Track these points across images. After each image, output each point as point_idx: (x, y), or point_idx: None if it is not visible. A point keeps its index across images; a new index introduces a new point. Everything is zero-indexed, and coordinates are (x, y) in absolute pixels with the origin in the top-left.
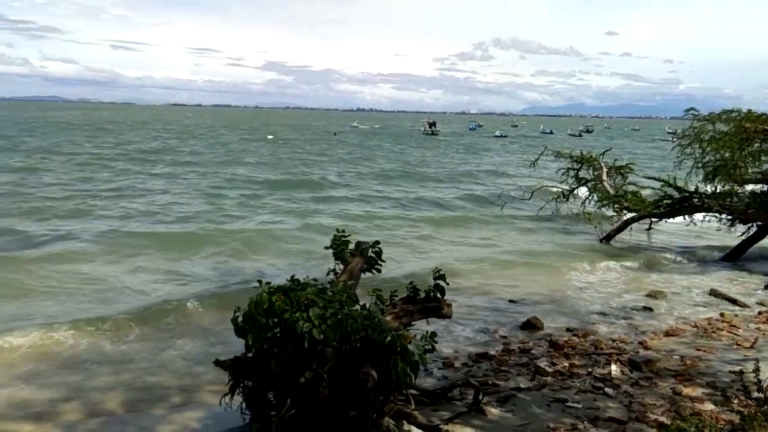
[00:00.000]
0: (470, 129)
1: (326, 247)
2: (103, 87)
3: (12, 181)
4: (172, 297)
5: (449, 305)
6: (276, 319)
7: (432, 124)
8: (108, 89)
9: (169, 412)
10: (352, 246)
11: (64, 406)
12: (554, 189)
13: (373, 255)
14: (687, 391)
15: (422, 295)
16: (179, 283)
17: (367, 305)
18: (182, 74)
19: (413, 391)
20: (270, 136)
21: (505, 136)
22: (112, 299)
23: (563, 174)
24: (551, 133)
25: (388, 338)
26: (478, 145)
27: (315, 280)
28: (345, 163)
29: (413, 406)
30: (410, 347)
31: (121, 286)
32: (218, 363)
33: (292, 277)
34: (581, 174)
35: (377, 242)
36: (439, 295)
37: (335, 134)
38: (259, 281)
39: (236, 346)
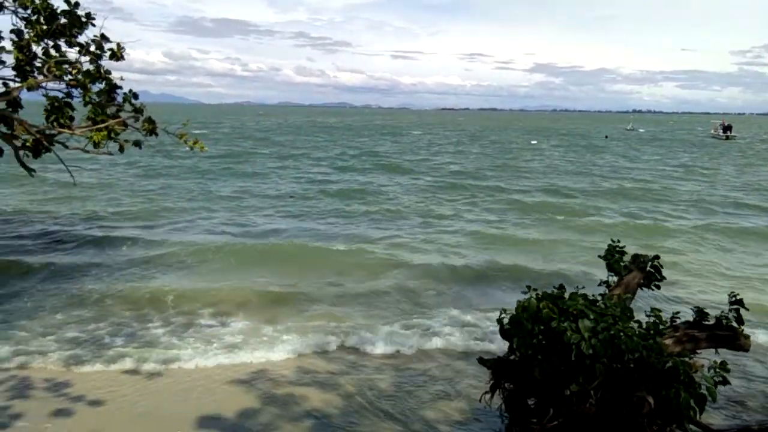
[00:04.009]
0: None
1: (600, 256)
2: (383, 94)
3: None
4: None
5: (747, 336)
6: (542, 326)
7: (727, 128)
8: (387, 95)
9: (432, 398)
10: (627, 258)
11: (342, 378)
12: None
13: (651, 270)
14: None
15: (712, 320)
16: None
17: (644, 324)
18: (452, 79)
19: (695, 428)
20: (534, 142)
21: None
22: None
23: None
24: None
25: (669, 364)
26: None
27: (582, 287)
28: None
29: None
30: (696, 377)
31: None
32: (481, 361)
33: (560, 285)
34: None
35: (657, 256)
36: (734, 324)
37: (606, 137)
38: (528, 287)
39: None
